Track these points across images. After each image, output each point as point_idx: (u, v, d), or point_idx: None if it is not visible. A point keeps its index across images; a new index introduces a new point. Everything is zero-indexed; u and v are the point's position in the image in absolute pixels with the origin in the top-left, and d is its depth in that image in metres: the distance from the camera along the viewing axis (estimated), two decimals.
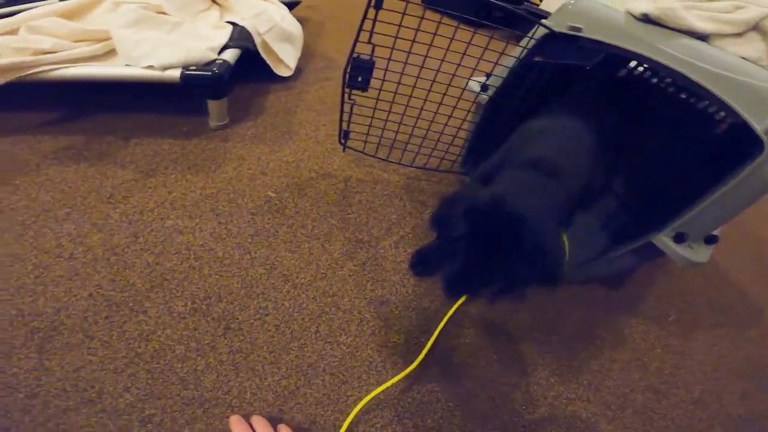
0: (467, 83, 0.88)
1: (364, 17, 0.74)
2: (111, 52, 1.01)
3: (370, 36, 0.76)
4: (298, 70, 1.35)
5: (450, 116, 0.90)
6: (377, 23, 0.73)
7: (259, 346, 0.69)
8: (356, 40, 0.76)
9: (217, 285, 0.75)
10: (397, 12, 0.73)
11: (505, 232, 0.49)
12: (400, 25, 0.74)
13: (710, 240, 0.71)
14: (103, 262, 0.74)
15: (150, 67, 0.95)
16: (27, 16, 1.03)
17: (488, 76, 0.86)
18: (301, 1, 1.92)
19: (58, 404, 0.58)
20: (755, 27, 0.70)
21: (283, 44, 1.27)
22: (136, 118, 1.07)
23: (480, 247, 0.50)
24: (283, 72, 1.28)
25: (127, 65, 0.95)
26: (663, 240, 0.68)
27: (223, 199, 0.89)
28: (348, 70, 0.80)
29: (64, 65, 0.94)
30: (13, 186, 0.85)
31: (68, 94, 1.06)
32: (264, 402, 0.63)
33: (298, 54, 1.36)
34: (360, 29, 0.74)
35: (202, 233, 0.82)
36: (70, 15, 1.11)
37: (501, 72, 0.83)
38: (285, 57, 1.26)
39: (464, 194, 0.57)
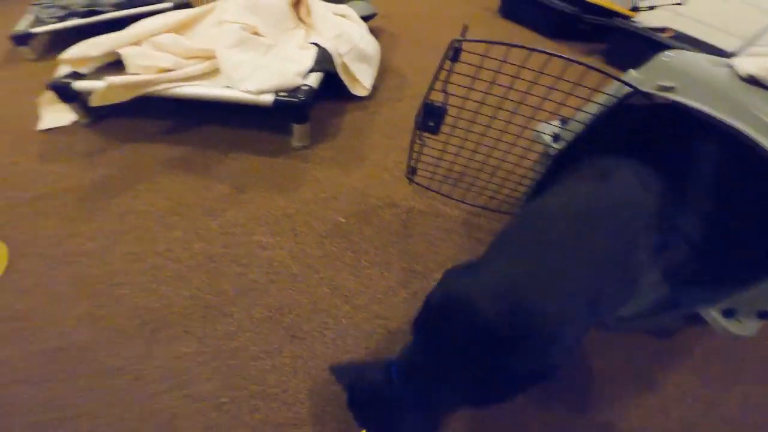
0: (538, 134, 0.89)
1: (440, 68, 0.79)
2: (216, 71, 1.15)
3: (445, 85, 0.80)
4: (375, 88, 1.42)
5: (517, 164, 0.92)
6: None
7: (317, 354, 0.79)
8: (430, 89, 0.81)
9: (289, 298, 0.86)
10: (471, 65, 0.76)
11: None
12: (475, 78, 0.77)
13: (763, 315, 0.68)
14: (203, 268, 0.89)
15: (248, 90, 1.07)
16: (149, 29, 1.20)
17: (563, 123, 0.86)
18: (377, 13, 1.97)
19: (155, 387, 0.73)
20: None
21: (361, 64, 1.35)
22: (233, 133, 1.22)
23: None
24: (360, 92, 1.36)
25: (227, 87, 1.09)
26: (712, 314, 0.68)
27: (300, 220, 1.00)
28: (420, 114, 0.85)
29: (180, 84, 1.10)
30: (135, 191, 1.02)
31: (179, 106, 1.21)
32: (312, 402, 0.73)
33: (375, 74, 1.43)
34: (435, 78, 0.79)
35: (282, 251, 0.94)
36: (183, 26, 1.27)
37: (575, 127, 0.82)
38: (362, 77, 1.34)
39: None
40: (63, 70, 1.13)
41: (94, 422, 0.70)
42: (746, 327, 0.70)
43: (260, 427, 0.71)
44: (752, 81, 0.63)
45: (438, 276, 0.92)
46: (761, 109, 0.60)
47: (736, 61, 0.67)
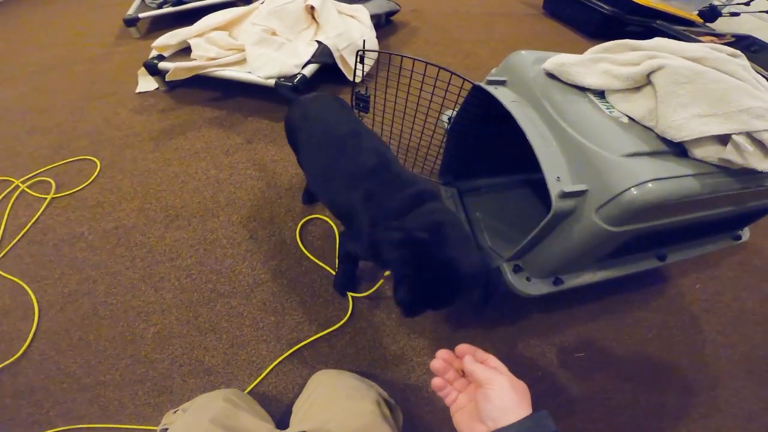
0: (439, 118, 1.13)
1: (355, 68, 1.07)
2: (244, 60, 1.52)
3: (362, 81, 1.09)
4: (368, 76, 1.70)
5: (430, 144, 1.17)
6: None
7: (263, 251, 1.14)
8: (354, 85, 1.10)
9: (257, 212, 1.22)
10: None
11: None
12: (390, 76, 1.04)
13: (557, 282, 0.84)
14: (212, 185, 1.29)
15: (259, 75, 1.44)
16: (209, 24, 1.59)
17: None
18: (399, 9, 2.18)
19: (158, 258, 1.14)
20: (650, 82, 0.66)
21: None
22: (253, 103, 1.60)
23: None
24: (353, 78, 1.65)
25: (249, 72, 1.46)
26: (504, 266, 0.85)
27: (280, 165, 1.36)
28: (353, 99, 1.14)
29: (220, 68, 1.49)
30: (185, 136, 1.46)
31: (222, 82, 1.58)
32: (248, 284, 1.08)
33: (370, 65, 1.70)
34: (354, 75, 1.08)
35: (263, 182, 1.31)
36: (233, 22, 1.65)
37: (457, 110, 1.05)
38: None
39: None
40: (152, 53, 1.59)
41: (114, 277, 1.05)
42: (534, 287, 0.82)
43: (208, 293, 1.03)
44: (551, 75, 0.78)
45: None
46: (545, 95, 0.76)
47: (547, 60, 0.80)
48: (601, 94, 0.77)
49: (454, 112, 1.10)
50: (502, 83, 0.88)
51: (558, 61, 0.77)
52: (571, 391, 0.93)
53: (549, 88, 0.78)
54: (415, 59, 0.97)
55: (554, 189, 0.67)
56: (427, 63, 0.95)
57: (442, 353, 0.49)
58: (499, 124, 0.97)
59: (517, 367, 0.91)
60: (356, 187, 0.76)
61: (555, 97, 0.76)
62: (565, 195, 0.66)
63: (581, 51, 0.81)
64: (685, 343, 1.02)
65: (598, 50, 0.79)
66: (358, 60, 1.04)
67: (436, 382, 0.47)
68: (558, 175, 0.70)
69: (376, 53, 1.04)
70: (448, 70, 0.94)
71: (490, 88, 0.85)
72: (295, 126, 0.93)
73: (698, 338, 1.03)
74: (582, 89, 0.77)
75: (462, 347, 0.48)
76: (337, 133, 0.85)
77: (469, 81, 0.92)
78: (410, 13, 2.38)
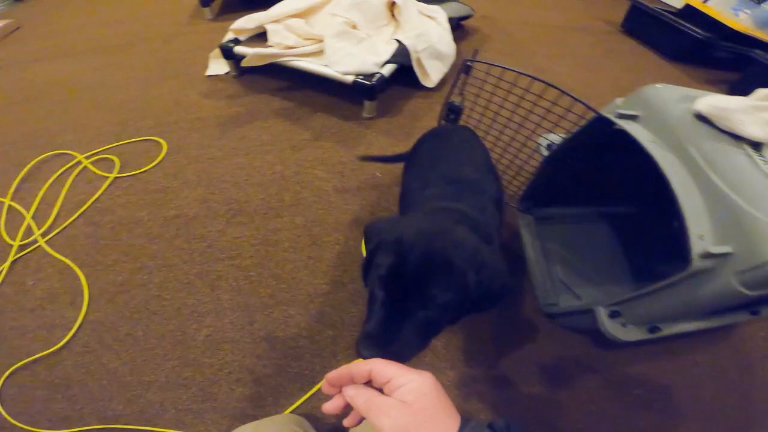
0: (539, 142, 1.02)
1: (457, 78, 0.98)
2: (321, 52, 1.44)
3: (461, 90, 0.99)
4: (442, 82, 1.60)
5: (521, 168, 1.07)
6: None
7: (325, 259, 1.05)
8: (450, 92, 1.00)
9: (322, 216, 1.15)
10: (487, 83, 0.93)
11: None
12: (482, 90, 0.94)
13: (653, 329, 0.73)
14: (277, 182, 1.22)
15: (337, 70, 1.36)
16: (287, 10, 1.50)
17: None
18: (472, 14, 2.06)
19: (217, 255, 1.06)
20: None
21: (434, 61, 1.53)
22: (325, 98, 1.53)
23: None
24: (427, 84, 1.55)
25: (325, 65, 1.38)
26: (600, 311, 0.74)
27: (348, 168, 1.28)
28: (443, 110, 1.05)
29: (297, 58, 1.42)
30: (252, 125, 1.40)
31: (295, 72, 1.50)
32: (308, 292, 0.99)
33: (446, 71, 1.59)
34: (454, 85, 0.98)
35: (329, 183, 1.23)
36: (311, 10, 1.56)
37: (563, 139, 0.94)
38: (432, 72, 1.52)
39: None
40: (228, 36, 1.54)
41: (170, 270, 1.01)
42: (628, 333, 0.74)
43: (266, 299, 0.97)
44: (701, 117, 0.69)
45: None
46: (692, 140, 0.67)
47: (697, 100, 0.70)
48: (756, 146, 0.67)
49: (556, 137, 1.00)
50: (632, 118, 0.78)
51: (717, 104, 0.67)
52: (615, 426, 0.86)
53: (698, 133, 0.69)
54: (533, 78, 0.87)
55: (696, 247, 0.61)
56: (546, 84, 0.85)
57: (326, 388, 0.37)
58: (602, 155, 0.88)
59: (572, 400, 0.87)
60: (429, 186, 0.76)
61: (705, 144, 0.67)
62: (708, 256, 0.60)
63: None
64: (735, 386, 0.94)
65: (763, 97, 0.68)
66: (462, 70, 0.94)
67: (346, 422, 0.38)
68: (701, 232, 0.63)
69: (488, 65, 0.94)
70: (571, 96, 0.84)
71: (622, 122, 0.75)
72: (429, 139, 0.94)
73: (748, 381, 0.95)
74: (737, 138, 0.68)
75: (332, 377, 0.36)
76: (455, 157, 0.84)
77: (593, 110, 0.81)
78: (481, 20, 2.26)
